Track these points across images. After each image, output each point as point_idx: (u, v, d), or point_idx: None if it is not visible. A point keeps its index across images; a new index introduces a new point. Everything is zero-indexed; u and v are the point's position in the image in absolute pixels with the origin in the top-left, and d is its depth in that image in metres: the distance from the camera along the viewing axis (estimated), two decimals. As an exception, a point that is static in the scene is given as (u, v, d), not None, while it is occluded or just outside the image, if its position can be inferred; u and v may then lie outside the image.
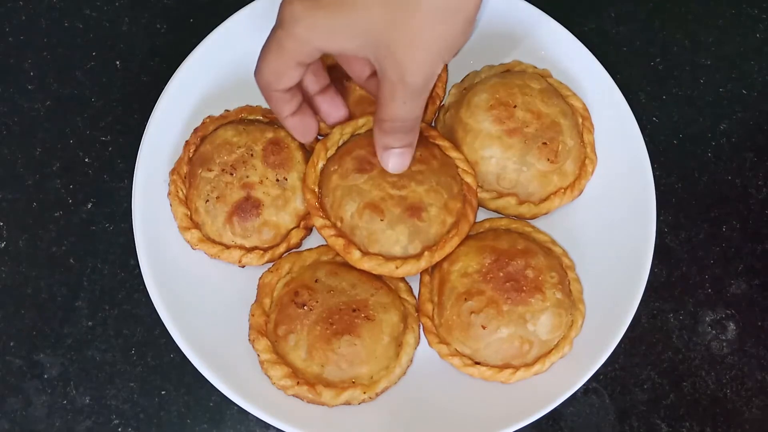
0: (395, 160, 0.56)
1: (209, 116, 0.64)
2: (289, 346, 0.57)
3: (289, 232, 0.61)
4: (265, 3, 0.65)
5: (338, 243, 0.58)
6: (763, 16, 0.77)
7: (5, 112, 0.69)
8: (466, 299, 0.58)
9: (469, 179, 0.61)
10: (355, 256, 0.57)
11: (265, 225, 0.60)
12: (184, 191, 0.62)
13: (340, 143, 0.61)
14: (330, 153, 0.61)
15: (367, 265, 0.57)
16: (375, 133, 0.55)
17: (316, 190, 0.60)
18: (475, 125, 0.62)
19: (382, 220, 0.57)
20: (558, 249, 0.62)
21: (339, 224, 0.58)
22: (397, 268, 0.57)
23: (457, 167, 0.61)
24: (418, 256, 0.58)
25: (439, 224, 0.58)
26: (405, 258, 0.58)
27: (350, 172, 0.58)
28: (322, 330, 0.57)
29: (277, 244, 0.61)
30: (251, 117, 0.64)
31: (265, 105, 0.65)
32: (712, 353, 0.66)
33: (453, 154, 0.62)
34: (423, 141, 0.60)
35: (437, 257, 0.58)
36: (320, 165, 0.60)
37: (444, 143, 0.62)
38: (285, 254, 0.62)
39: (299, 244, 0.62)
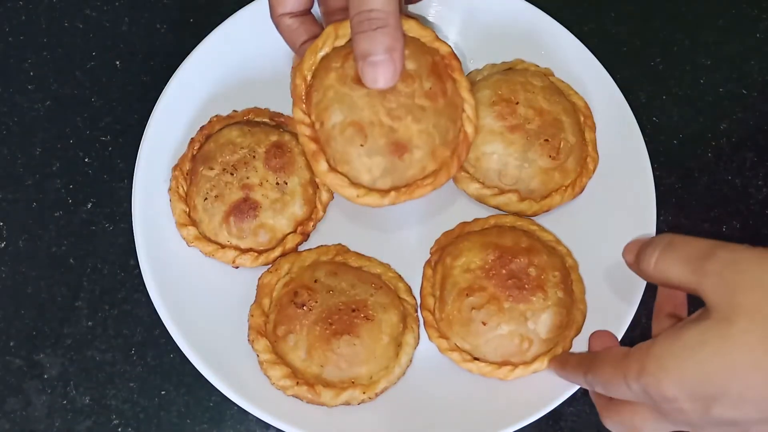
0: (376, 71, 0.48)
1: (216, 115, 0.64)
2: (288, 347, 0.57)
3: (285, 236, 0.61)
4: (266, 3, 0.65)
5: (309, 146, 0.53)
6: (763, 16, 0.77)
7: (5, 112, 0.69)
8: (467, 295, 0.58)
9: (469, 128, 0.56)
10: (321, 167, 0.53)
11: (261, 227, 0.60)
12: (185, 188, 0.62)
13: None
14: (339, 43, 0.53)
15: (330, 181, 0.53)
16: (352, 39, 0.49)
17: (309, 78, 0.53)
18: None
19: (362, 145, 0.52)
20: (562, 248, 0.62)
21: (318, 126, 0.53)
22: (358, 196, 0.53)
23: (463, 111, 0.55)
24: (383, 192, 0.53)
25: (418, 169, 0.54)
26: (370, 189, 0.53)
27: (351, 79, 0.52)
28: (321, 330, 0.57)
29: (272, 248, 0.61)
30: (258, 119, 0.64)
31: (273, 108, 0.65)
32: (712, 353, 0.66)
33: (465, 95, 0.55)
34: (440, 70, 0.54)
35: (402, 199, 0.54)
36: (323, 52, 0.53)
37: (461, 80, 0.55)
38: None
39: (294, 249, 0.62)
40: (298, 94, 0.53)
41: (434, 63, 0.54)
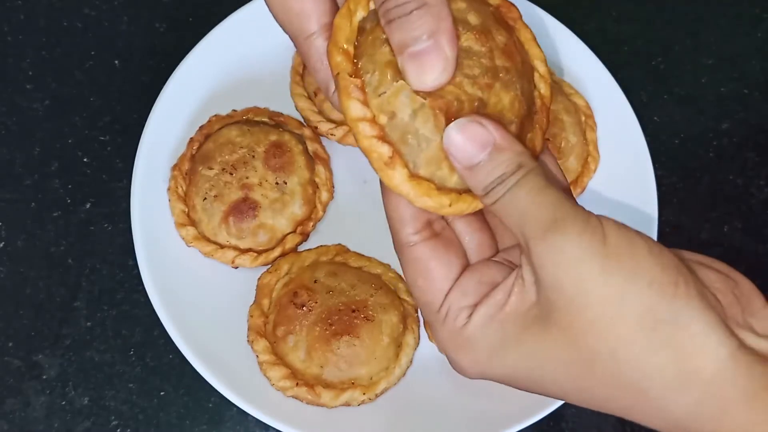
0: (421, 65, 0.36)
1: (215, 114, 0.64)
2: (288, 347, 0.57)
3: (284, 236, 0.61)
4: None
5: (381, 151, 0.36)
6: (764, 15, 0.77)
7: (4, 112, 0.69)
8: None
9: (544, 89, 0.41)
10: (398, 177, 0.37)
11: (261, 228, 0.60)
12: (184, 188, 0.61)
13: None
14: (374, 5, 0.38)
15: (412, 191, 0.37)
16: (385, 29, 0.37)
17: (351, 51, 0.37)
18: None
19: None
20: None
21: (383, 121, 0.37)
22: (451, 205, 0.38)
23: (534, 69, 0.41)
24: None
25: None
26: (460, 192, 0.38)
27: None
28: (321, 331, 0.56)
29: (272, 248, 0.61)
30: (257, 118, 0.64)
31: (272, 107, 0.65)
32: (713, 354, 0.66)
33: (533, 49, 0.41)
34: (502, 21, 0.40)
35: None
36: (359, 16, 0.38)
37: (524, 30, 0.41)
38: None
39: (294, 250, 0.62)
40: (344, 77, 0.37)
41: (494, 12, 0.40)
